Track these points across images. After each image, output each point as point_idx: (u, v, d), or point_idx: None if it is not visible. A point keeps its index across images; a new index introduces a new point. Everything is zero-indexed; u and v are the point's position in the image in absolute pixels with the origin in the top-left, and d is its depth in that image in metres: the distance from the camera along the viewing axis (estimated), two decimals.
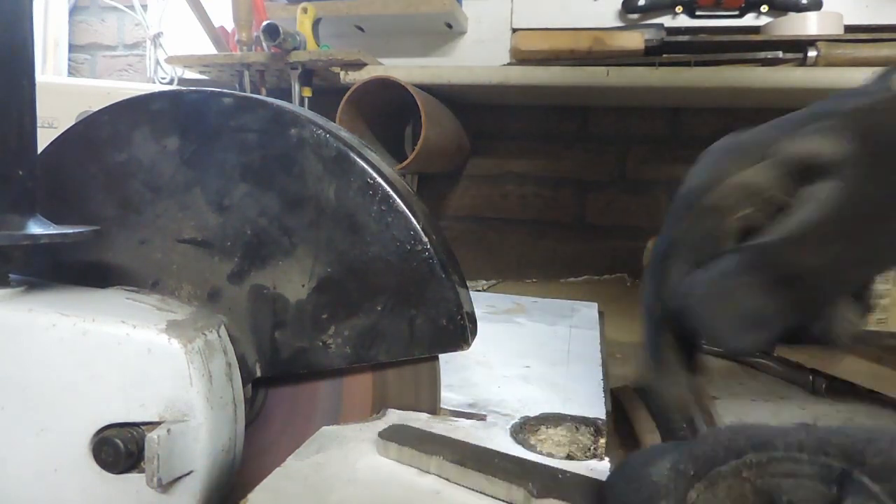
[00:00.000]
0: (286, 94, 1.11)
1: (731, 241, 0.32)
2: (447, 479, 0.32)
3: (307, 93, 1.15)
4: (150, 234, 0.43)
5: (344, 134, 0.42)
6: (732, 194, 0.32)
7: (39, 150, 0.40)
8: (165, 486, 0.34)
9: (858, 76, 0.94)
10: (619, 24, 1.19)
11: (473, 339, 0.40)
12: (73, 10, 1.59)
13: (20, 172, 0.37)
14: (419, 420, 0.40)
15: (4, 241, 0.36)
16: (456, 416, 0.42)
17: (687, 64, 1.02)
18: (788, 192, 0.31)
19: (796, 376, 0.77)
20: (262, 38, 1.05)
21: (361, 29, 1.29)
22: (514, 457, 0.33)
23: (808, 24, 1.04)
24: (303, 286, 0.41)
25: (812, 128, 0.32)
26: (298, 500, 0.30)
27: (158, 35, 1.48)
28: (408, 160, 1.03)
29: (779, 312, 0.29)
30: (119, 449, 0.34)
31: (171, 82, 1.46)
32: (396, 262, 0.39)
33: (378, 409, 0.42)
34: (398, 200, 0.40)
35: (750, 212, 0.32)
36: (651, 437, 0.63)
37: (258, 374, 0.42)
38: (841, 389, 0.73)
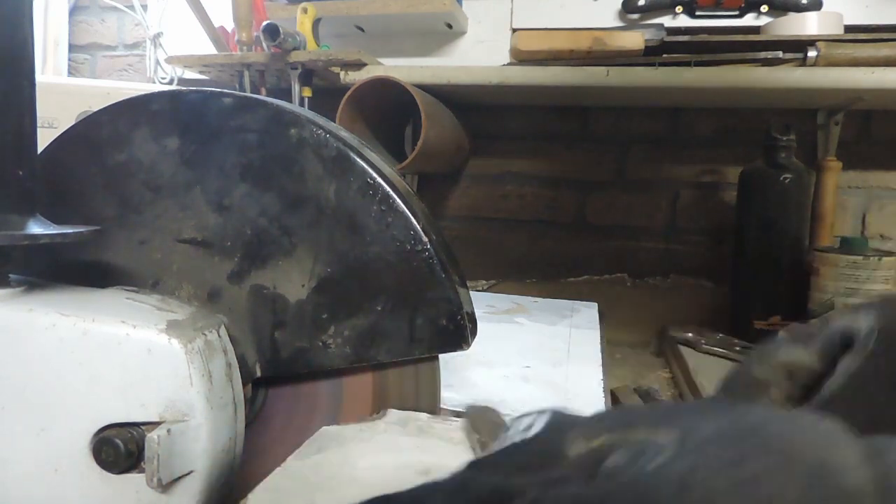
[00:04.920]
0: (286, 94, 1.11)
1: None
2: None
3: (307, 93, 1.15)
4: (150, 234, 0.43)
5: (344, 134, 0.42)
6: (777, 370, 0.36)
7: (39, 150, 0.40)
8: (165, 486, 0.34)
9: (858, 76, 0.94)
10: (619, 24, 1.19)
11: (473, 339, 0.40)
12: (73, 10, 1.59)
13: (20, 172, 0.37)
14: (419, 420, 0.40)
15: (4, 241, 0.35)
16: (456, 416, 0.42)
17: (687, 64, 1.02)
18: (824, 369, 0.34)
19: None
20: (262, 38, 1.05)
21: (361, 29, 1.29)
22: None
23: (808, 24, 1.04)
24: (303, 286, 0.41)
25: (850, 310, 0.34)
26: (299, 500, 0.30)
27: (158, 35, 1.48)
28: (408, 160, 1.03)
29: None
30: (119, 449, 0.34)
31: (171, 82, 1.46)
32: (396, 262, 0.39)
33: (378, 409, 0.42)
34: (398, 200, 0.40)
35: (788, 386, 0.35)
36: None
37: (258, 374, 0.42)
38: None
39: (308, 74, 1.14)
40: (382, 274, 0.40)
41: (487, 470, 0.23)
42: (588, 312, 0.87)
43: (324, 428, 0.39)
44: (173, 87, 1.32)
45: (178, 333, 0.35)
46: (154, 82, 1.49)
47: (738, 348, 0.96)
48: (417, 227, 0.39)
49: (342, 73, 1.11)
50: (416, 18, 1.20)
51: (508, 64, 1.13)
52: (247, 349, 0.41)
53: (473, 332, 0.40)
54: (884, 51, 0.96)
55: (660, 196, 1.27)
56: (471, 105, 1.28)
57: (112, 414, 0.35)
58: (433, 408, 0.42)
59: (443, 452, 0.36)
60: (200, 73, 1.27)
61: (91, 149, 0.45)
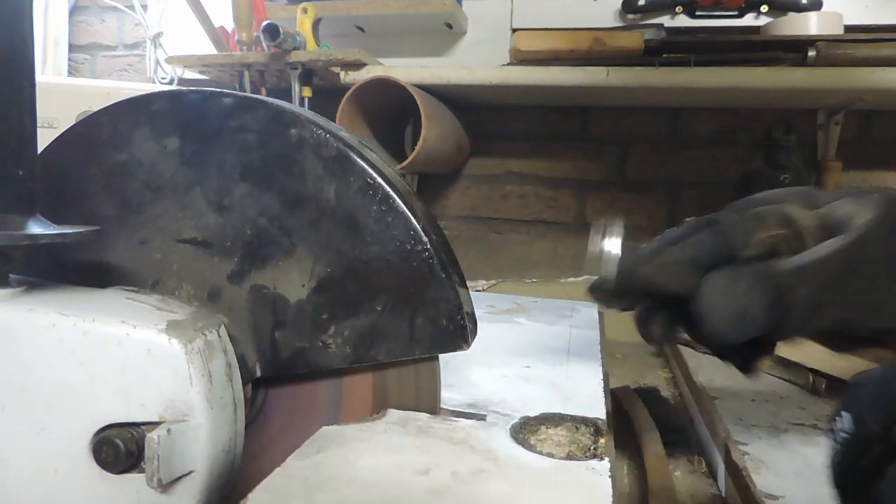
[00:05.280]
0: (286, 94, 1.11)
1: (756, 250, 0.39)
2: None
3: (307, 93, 1.15)
4: (150, 234, 0.43)
5: (344, 134, 0.42)
6: (778, 215, 0.40)
7: (39, 150, 0.40)
8: (165, 486, 0.34)
9: (858, 76, 0.94)
10: (619, 24, 1.19)
11: (473, 339, 0.40)
12: (73, 10, 1.59)
13: (20, 172, 0.37)
14: (419, 420, 0.40)
15: (4, 241, 0.35)
16: (456, 416, 0.42)
17: (687, 64, 1.02)
18: (814, 238, 0.39)
19: (796, 376, 0.77)
20: (262, 38, 1.05)
21: (361, 29, 1.29)
22: None
23: (808, 24, 1.04)
24: (303, 286, 0.41)
25: (852, 197, 0.40)
26: (299, 501, 0.30)
27: (158, 35, 1.48)
28: (408, 160, 1.03)
29: (762, 320, 0.37)
30: (119, 449, 0.34)
31: (171, 82, 1.46)
32: (396, 262, 0.39)
33: (378, 409, 0.42)
34: (398, 200, 0.40)
35: (781, 234, 0.40)
36: (651, 436, 0.63)
37: (258, 374, 0.42)
38: (841, 389, 0.73)
39: (308, 74, 1.14)
40: (382, 274, 0.40)
41: None
42: (588, 312, 0.87)
43: (324, 428, 0.39)
44: (173, 87, 1.32)
45: (178, 333, 0.35)
46: (154, 82, 1.49)
47: None
48: (417, 227, 0.39)
49: (342, 73, 1.11)
50: (416, 18, 1.20)
51: (508, 64, 1.13)
52: (247, 349, 0.41)
53: (473, 332, 0.40)
54: (884, 51, 0.96)
55: (660, 196, 1.27)
56: (471, 105, 1.28)
57: (112, 414, 0.35)
58: (433, 408, 0.42)
59: (443, 452, 0.36)
60: (200, 73, 1.27)
61: (91, 149, 0.45)
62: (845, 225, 0.38)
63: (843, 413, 0.33)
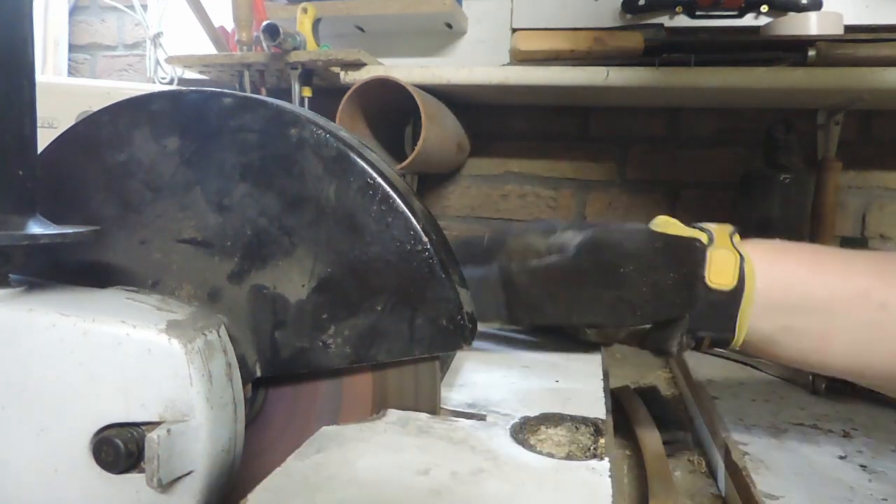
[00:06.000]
0: (286, 94, 1.11)
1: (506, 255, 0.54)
2: None
3: (307, 93, 1.15)
4: (150, 234, 0.43)
5: (344, 134, 0.42)
6: (521, 242, 0.54)
7: (39, 150, 0.40)
8: (165, 486, 0.34)
9: (858, 76, 0.94)
10: (619, 24, 1.19)
11: (473, 338, 0.40)
12: (73, 10, 1.59)
13: (20, 172, 0.37)
14: (419, 420, 0.40)
15: (4, 241, 0.35)
16: (456, 416, 0.42)
17: (687, 64, 1.02)
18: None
19: (796, 376, 0.77)
20: (262, 38, 1.05)
21: (361, 29, 1.29)
22: None
23: (808, 24, 1.04)
24: (303, 286, 0.41)
25: (575, 227, 0.53)
26: (299, 501, 0.30)
27: (158, 35, 1.48)
28: (408, 160, 1.03)
29: (502, 310, 0.50)
30: (119, 449, 0.34)
31: (171, 82, 1.46)
32: (396, 262, 0.39)
33: (378, 409, 0.42)
34: (398, 200, 0.40)
35: (522, 254, 0.53)
36: (651, 437, 0.63)
37: (258, 374, 0.42)
38: (841, 389, 0.73)
39: (308, 74, 1.14)
40: (382, 274, 0.40)
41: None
42: None
43: (324, 428, 0.39)
44: (173, 87, 1.32)
45: (178, 333, 0.35)
46: (154, 82, 1.49)
47: (737, 348, 0.95)
48: (417, 227, 0.39)
49: (342, 73, 1.11)
50: (416, 18, 1.20)
51: (508, 64, 1.13)
52: (247, 349, 0.41)
53: (473, 332, 0.40)
54: (884, 51, 0.96)
55: (660, 196, 1.27)
56: (471, 105, 1.28)
57: (112, 414, 0.35)
58: (433, 408, 0.42)
59: (443, 452, 0.36)
60: (200, 73, 1.27)
61: (91, 149, 0.45)
62: (567, 246, 0.51)
63: None
